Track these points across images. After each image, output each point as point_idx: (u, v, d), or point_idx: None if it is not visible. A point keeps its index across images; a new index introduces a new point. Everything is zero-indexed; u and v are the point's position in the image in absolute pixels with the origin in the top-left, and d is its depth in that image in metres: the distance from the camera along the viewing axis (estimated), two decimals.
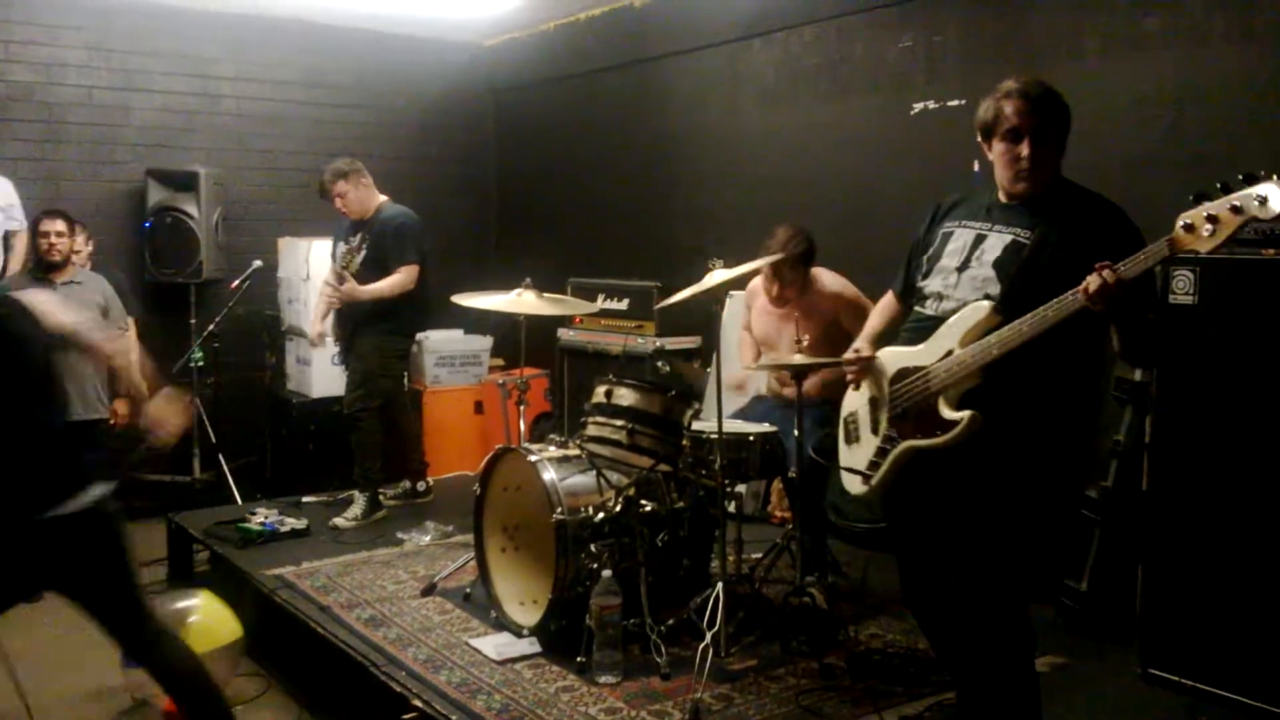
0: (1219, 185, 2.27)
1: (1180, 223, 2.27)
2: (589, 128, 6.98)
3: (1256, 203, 2.19)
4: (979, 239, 2.62)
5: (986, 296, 2.53)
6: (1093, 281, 2.30)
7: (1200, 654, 3.23)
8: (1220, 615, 3.19)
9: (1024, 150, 2.54)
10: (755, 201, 5.56)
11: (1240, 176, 2.25)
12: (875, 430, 2.73)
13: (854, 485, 2.77)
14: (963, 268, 2.61)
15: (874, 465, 2.69)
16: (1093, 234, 2.45)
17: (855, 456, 2.80)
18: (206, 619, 3.75)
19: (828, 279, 4.15)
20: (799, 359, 3.58)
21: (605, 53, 6.74)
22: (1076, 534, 3.82)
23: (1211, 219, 2.23)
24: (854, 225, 4.96)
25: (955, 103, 4.64)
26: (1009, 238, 2.56)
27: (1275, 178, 2.19)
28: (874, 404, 2.76)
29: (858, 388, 2.85)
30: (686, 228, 6.14)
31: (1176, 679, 3.26)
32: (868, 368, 2.80)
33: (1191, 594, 3.26)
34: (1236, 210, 2.21)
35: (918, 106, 4.87)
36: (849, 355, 2.86)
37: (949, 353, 2.53)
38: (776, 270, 4.03)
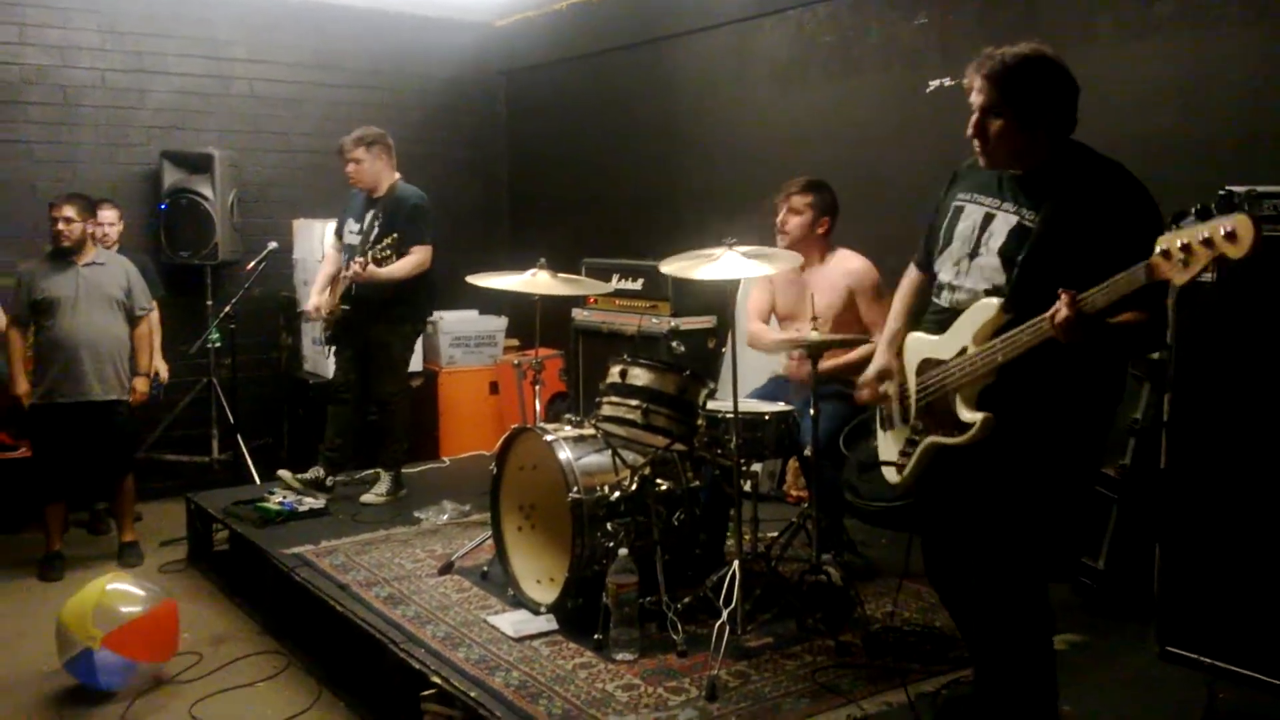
0: (1195, 209, 2.14)
1: (1158, 249, 2.15)
2: (601, 108, 6.96)
3: (1225, 238, 2.05)
4: (987, 219, 2.56)
5: (995, 288, 2.49)
6: (1059, 312, 2.25)
7: (1218, 631, 3.22)
8: (1238, 593, 3.18)
9: (970, 126, 2.50)
10: (768, 181, 5.52)
11: (1215, 202, 2.13)
12: (905, 419, 2.73)
13: (891, 476, 2.76)
14: (972, 254, 2.57)
15: (905, 455, 2.69)
16: (1100, 215, 2.37)
17: (889, 445, 2.79)
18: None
19: (853, 260, 4.16)
20: (815, 336, 3.58)
21: (617, 32, 6.71)
22: (1094, 512, 3.82)
23: (1185, 249, 2.10)
24: (867, 205, 4.93)
25: None
26: (1015, 219, 2.50)
27: (1247, 207, 2.06)
28: (903, 391, 2.75)
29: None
30: (700, 207, 6.13)
31: (1194, 656, 3.25)
32: (888, 378, 2.81)
33: (1209, 572, 3.25)
34: (1208, 244, 2.08)
35: (932, 84, 4.84)
36: (868, 383, 2.86)
37: (964, 350, 2.51)
38: (786, 196, 4.15)
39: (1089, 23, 4.26)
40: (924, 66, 4.89)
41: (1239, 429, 3.18)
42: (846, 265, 4.14)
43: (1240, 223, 2.04)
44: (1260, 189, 3.13)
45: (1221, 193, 2.37)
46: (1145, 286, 2.22)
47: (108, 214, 5.60)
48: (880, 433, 2.87)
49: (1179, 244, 2.11)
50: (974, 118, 2.50)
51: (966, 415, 2.48)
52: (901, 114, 5.00)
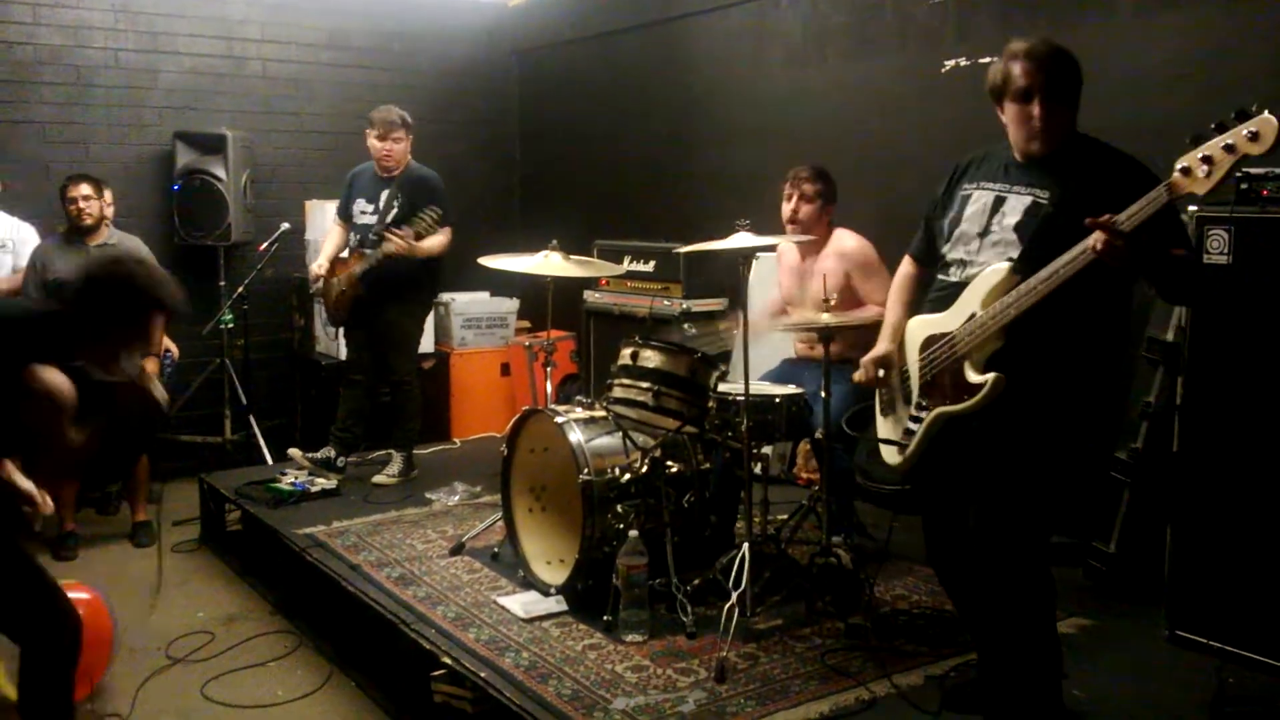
0: (1214, 125, 2.22)
1: (1177, 167, 2.23)
2: (614, 88, 6.93)
3: (1247, 138, 2.14)
4: (998, 201, 2.61)
5: (1008, 260, 2.52)
6: (1098, 239, 2.29)
7: (1228, 616, 3.21)
8: (1249, 578, 3.17)
9: (1035, 110, 2.53)
10: (783, 162, 5.50)
11: (1233, 114, 2.20)
12: (908, 400, 2.74)
13: (891, 456, 2.78)
14: (984, 233, 2.61)
15: (908, 434, 2.70)
16: (1111, 190, 2.41)
17: (891, 427, 2.81)
18: None
19: (848, 239, 4.15)
20: (826, 318, 3.57)
21: (630, 12, 6.68)
22: (1105, 496, 3.80)
23: (1206, 160, 2.19)
24: (882, 186, 4.91)
25: (986, 60, 4.53)
26: (1028, 199, 2.56)
27: (1267, 111, 2.14)
28: (905, 374, 2.77)
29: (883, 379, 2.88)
30: (713, 189, 6.10)
31: (1204, 641, 3.24)
32: (887, 366, 2.85)
33: (1220, 556, 3.24)
34: (1229, 149, 2.17)
35: (948, 64, 4.80)
36: (866, 366, 2.90)
37: (972, 316, 2.54)
38: (796, 183, 4.14)
39: None
40: (939, 46, 4.84)
41: (1251, 413, 3.16)
42: (842, 246, 4.13)
43: (1263, 122, 2.13)
44: (1278, 170, 3.12)
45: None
46: (1178, 228, 2.46)
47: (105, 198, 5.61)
48: (880, 418, 2.88)
49: (1199, 156, 2.19)
50: (1038, 103, 2.52)
51: (975, 378, 2.50)
52: (917, 94, 4.96)
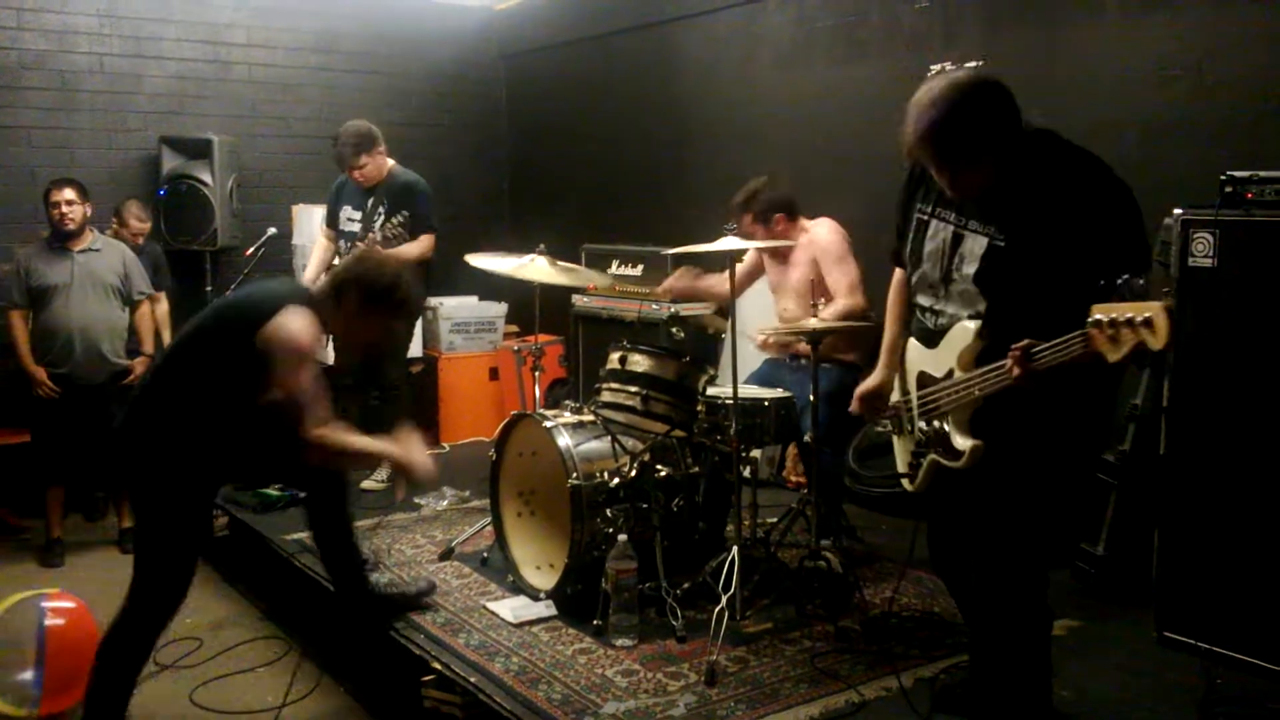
0: (1120, 280, 2.09)
1: (1093, 315, 2.05)
2: (602, 92, 6.93)
3: (1145, 328, 1.96)
4: (956, 239, 2.49)
5: (976, 314, 2.46)
6: (1012, 370, 2.24)
7: (1216, 617, 3.22)
8: (1236, 579, 3.18)
9: (946, 184, 2.41)
10: (770, 166, 5.51)
11: (1141, 280, 2.08)
12: (913, 428, 2.71)
13: (905, 485, 2.76)
14: (946, 278, 2.52)
15: (914, 468, 2.69)
16: (1067, 217, 2.30)
17: (902, 451, 2.78)
18: None
19: (819, 230, 4.13)
20: (814, 323, 3.58)
21: (618, 15, 6.68)
22: (1093, 498, 3.82)
23: (1114, 325, 2.00)
24: (869, 189, 4.90)
25: (973, 64, 4.58)
26: (984, 240, 2.43)
27: (1164, 303, 1.95)
28: (907, 400, 2.73)
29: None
30: (701, 193, 6.10)
31: (1192, 642, 3.25)
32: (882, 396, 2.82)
33: (1208, 558, 3.25)
34: (1131, 327, 1.98)
35: (935, 68, 4.81)
36: (860, 397, 2.86)
37: (950, 372, 2.50)
38: (741, 228, 4.05)
39: None
40: (927, 50, 4.86)
41: (1238, 415, 3.17)
42: (811, 237, 4.12)
43: (1156, 315, 1.95)
44: (1262, 174, 3.14)
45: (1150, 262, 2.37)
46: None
47: (141, 224, 5.68)
48: (894, 439, 2.84)
49: (1108, 319, 2.02)
50: (945, 178, 2.39)
51: (960, 442, 2.47)
52: (905, 98, 4.93)
